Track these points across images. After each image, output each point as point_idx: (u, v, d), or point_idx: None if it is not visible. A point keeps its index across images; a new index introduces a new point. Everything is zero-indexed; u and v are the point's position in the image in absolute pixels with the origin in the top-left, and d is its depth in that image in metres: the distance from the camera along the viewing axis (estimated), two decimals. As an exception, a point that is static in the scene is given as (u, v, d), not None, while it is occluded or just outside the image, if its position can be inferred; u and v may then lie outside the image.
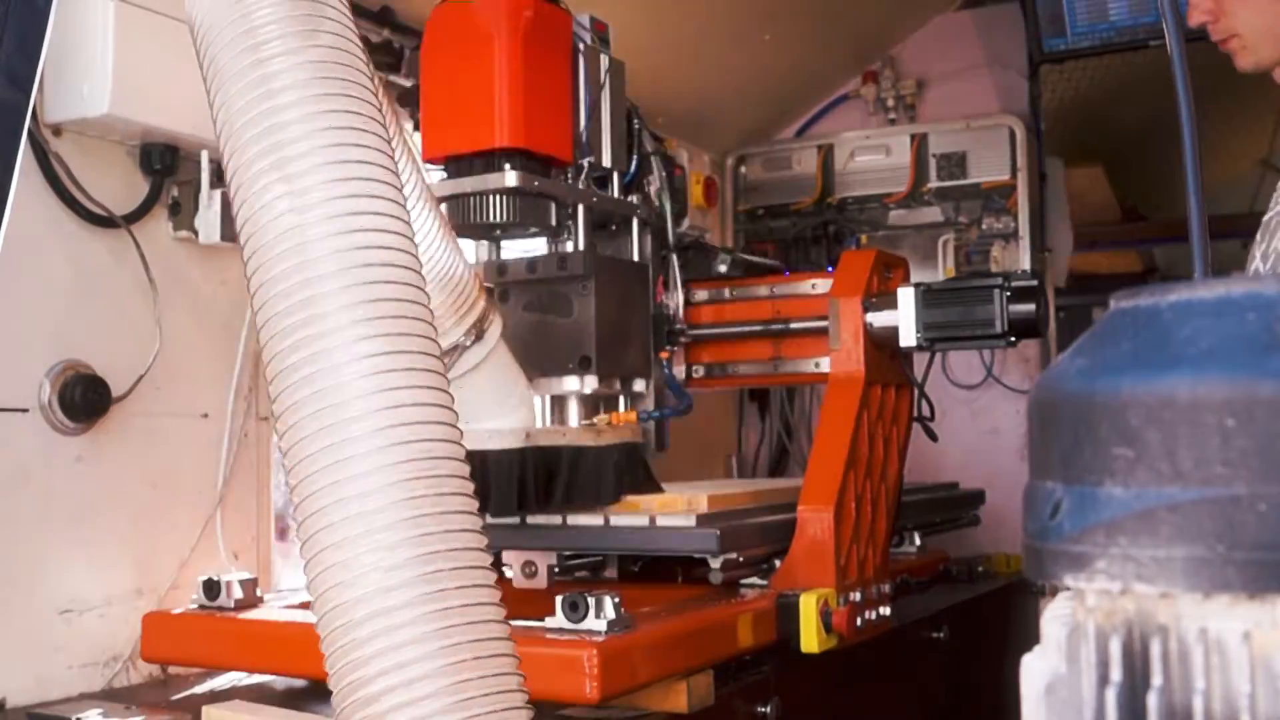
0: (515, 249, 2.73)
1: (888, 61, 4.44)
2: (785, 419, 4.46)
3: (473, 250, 2.67)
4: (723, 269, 3.06)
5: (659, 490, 2.45)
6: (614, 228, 2.73)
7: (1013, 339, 2.43)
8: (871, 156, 4.22)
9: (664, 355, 2.77)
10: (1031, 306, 2.40)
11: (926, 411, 2.74)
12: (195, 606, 2.23)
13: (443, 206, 2.31)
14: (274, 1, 1.21)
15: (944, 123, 4.16)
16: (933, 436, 2.77)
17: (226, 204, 2.50)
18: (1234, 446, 0.60)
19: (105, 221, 2.39)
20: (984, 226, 4.12)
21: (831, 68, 4.43)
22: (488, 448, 2.23)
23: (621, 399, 2.64)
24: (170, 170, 2.48)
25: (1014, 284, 2.41)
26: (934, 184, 4.12)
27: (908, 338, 2.45)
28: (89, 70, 2.26)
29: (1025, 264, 3.97)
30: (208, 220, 2.49)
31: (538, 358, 2.49)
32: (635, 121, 2.72)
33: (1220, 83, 3.64)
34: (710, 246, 3.15)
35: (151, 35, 2.30)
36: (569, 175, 2.52)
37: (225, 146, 1.23)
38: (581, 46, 2.54)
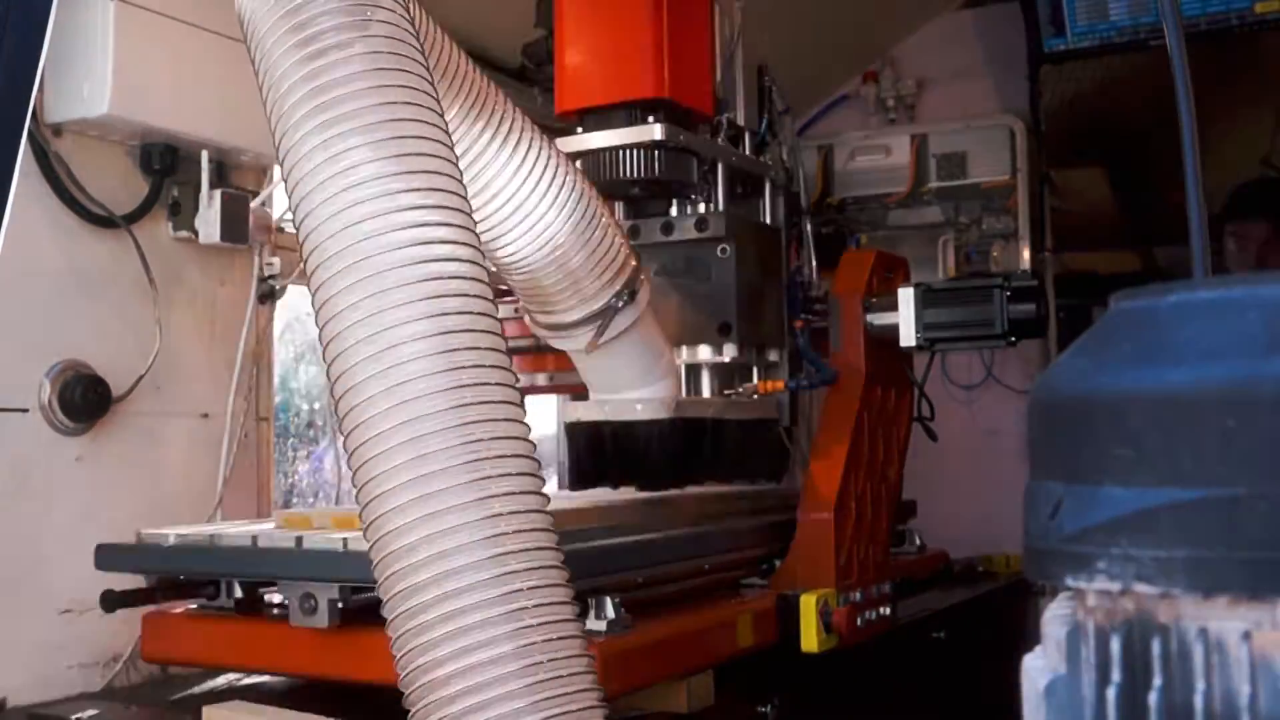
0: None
1: (888, 61, 4.44)
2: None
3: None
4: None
5: (783, 469, 2.36)
6: (741, 190, 2.58)
7: (1013, 339, 2.42)
8: (871, 156, 4.22)
9: (798, 325, 2.62)
10: (1031, 306, 2.40)
11: (926, 411, 2.74)
12: (195, 606, 2.22)
13: (577, 163, 2.16)
14: None
15: (944, 123, 4.16)
16: (933, 436, 2.77)
17: (226, 204, 2.50)
18: (1234, 446, 0.60)
19: (105, 221, 2.39)
20: (984, 226, 4.12)
21: (831, 68, 4.43)
22: (636, 418, 2.14)
23: (754, 369, 2.51)
24: (170, 170, 2.48)
25: (1014, 284, 2.41)
26: (934, 184, 4.12)
27: (908, 338, 2.45)
28: (89, 70, 2.26)
29: (1025, 264, 3.96)
30: (208, 220, 2.49)
31: (672, 324, 2.35)
32: (766, 79, 2.59)
33: (1220, 83, 3.64)
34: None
35: (151, 35, 2.30)
36: (707, 131, 2.39)
37: (278, 132, 1.21)
38: None
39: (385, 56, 1.19)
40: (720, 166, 2.41)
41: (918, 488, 3.38)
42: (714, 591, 2.24)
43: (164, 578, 2.01)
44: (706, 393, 2.40)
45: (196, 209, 2.51)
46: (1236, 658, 0.59)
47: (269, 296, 2.73)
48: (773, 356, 2.57)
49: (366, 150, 1.16)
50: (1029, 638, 0.70)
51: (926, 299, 2.44)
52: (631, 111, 2.24)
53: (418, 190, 1.17)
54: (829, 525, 2.28)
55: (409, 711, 1.13)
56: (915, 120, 4.37)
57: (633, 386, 2.18)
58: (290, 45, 1.20)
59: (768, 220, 2.62)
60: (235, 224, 2.52)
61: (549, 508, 1.18)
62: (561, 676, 1.10)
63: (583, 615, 1.79)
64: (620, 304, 2.01)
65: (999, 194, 4.06)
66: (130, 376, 2.40)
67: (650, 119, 2.22)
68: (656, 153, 2.23)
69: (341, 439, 1.17)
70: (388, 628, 1.13)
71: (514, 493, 1.13)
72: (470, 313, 1.15)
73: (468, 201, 1.22)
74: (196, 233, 2.51)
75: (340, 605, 1.79)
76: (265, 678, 2.23)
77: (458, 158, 1.25)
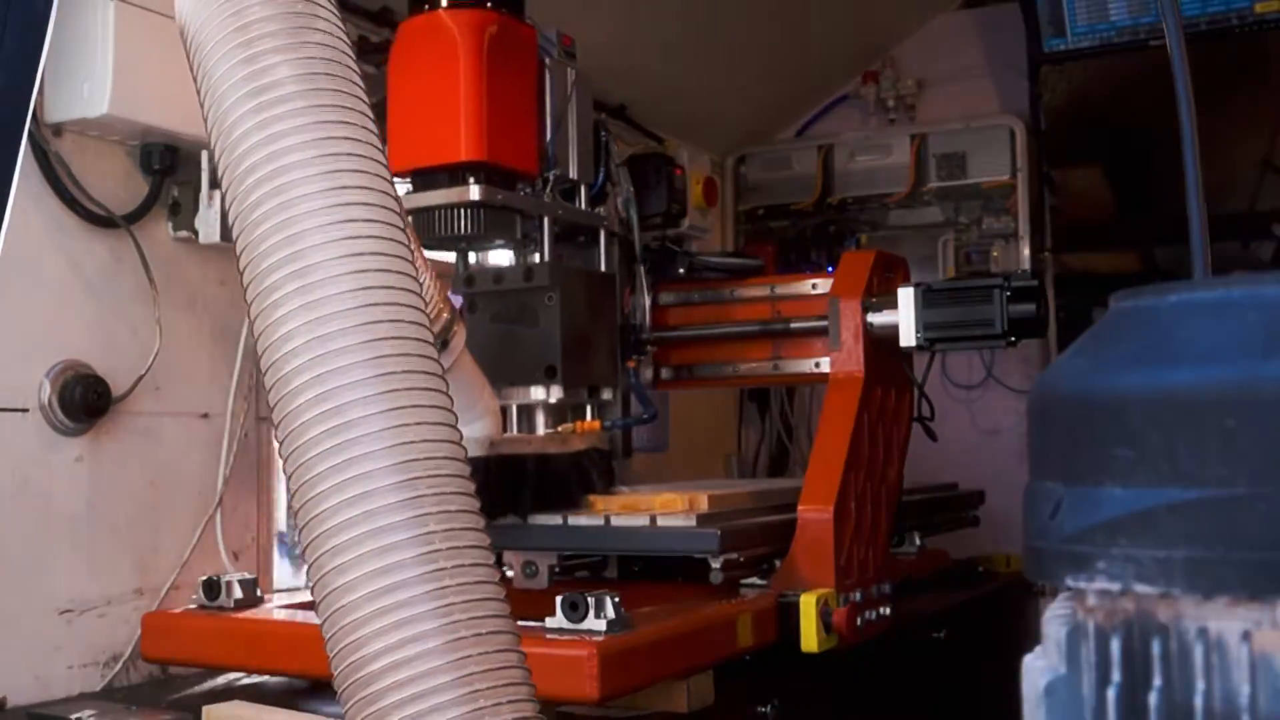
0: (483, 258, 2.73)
1: (888, 61, 4.44)
2: (785, 419, 4.46)
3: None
4: (680, 271, 3.09)
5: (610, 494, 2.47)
6: (582, 239, 2.76)
7: (1013, 339, 2.43)
8: (871, 156, 4.22)
9: (630, 364, 2.80)
10: (1031, 306, 2.40)
11: (926, 411, 2.74)
12: (195, 606, 2.23)
13: (409, 219, 2.32)
14: (264, 2, 1.22)
15: (944, 123, 4.16)
16: (933, 436, 2.77)
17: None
18: (1234, 447, 0.60)
19: (105, 221, 2.39)
20: (984, 226, 4.12)
21: (831, 68, 4.43)
22: None
23: (589, 408, 2.66)
24: (170, 170, 2.48)
25: (1014, 284, 2.41)
26: (934, 184, 4.12)
27: (908, 338, 2.45)
28: (89, 70, 2.26)
29: (1025, 264, 3.97)
30: (208, 220, 2.49)
31: (505, 368, 2.51)
32: (602, 134, 2.74)
33: (1220, 83, 3.64)
34: (674, 250, 3.16)
35: (151, 35, 2.30)
36: (535, 188, 2.54)
37: (216, 146, 1.23)
38: (548, 60, 2.56)
39: (320, 76, 1.21)
40: (546, 220, 2.54)
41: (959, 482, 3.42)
42: (714, 591, 2.24)
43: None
44: (540, 430, 2.55)
45: (196, 209, 2.51)
46: (1236, 658, 0.59)
47: (269, 296, 2.73)
48: (606, 395, 2.71)
49: (312, 180, 1.18)
50: (1029, 638, 0.70)
51: (926, 299, 2.44)
52: (454, 173, 2.38)
53: (356, 203, 1.19)
54: (829, 525, 2.28)
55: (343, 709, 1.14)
56: (915, 120, 4.37)
57: None
58: (232, 52, 1.21)
59: (602, 266, 2.75)
60: (235, 224, 2.52)
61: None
62: (491, 670, 1.11)
63: (583, 615, 1.79)
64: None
65: (999, 194, 4.07)
66: (130, 376, 2.40)
67: (470, 180, 2.36)
68: (478, 211, 2.39)
69: (279, 443, 1.19)
70: (322, 629, 1.14)
71: (444, 493, 1.15)
72: (403, 323, 1.18)
73: (401, 218, 1.24)
74: (196, 233, 2.51)
75: (556, 570, 2.33)
76: (265, 678, 2.23)
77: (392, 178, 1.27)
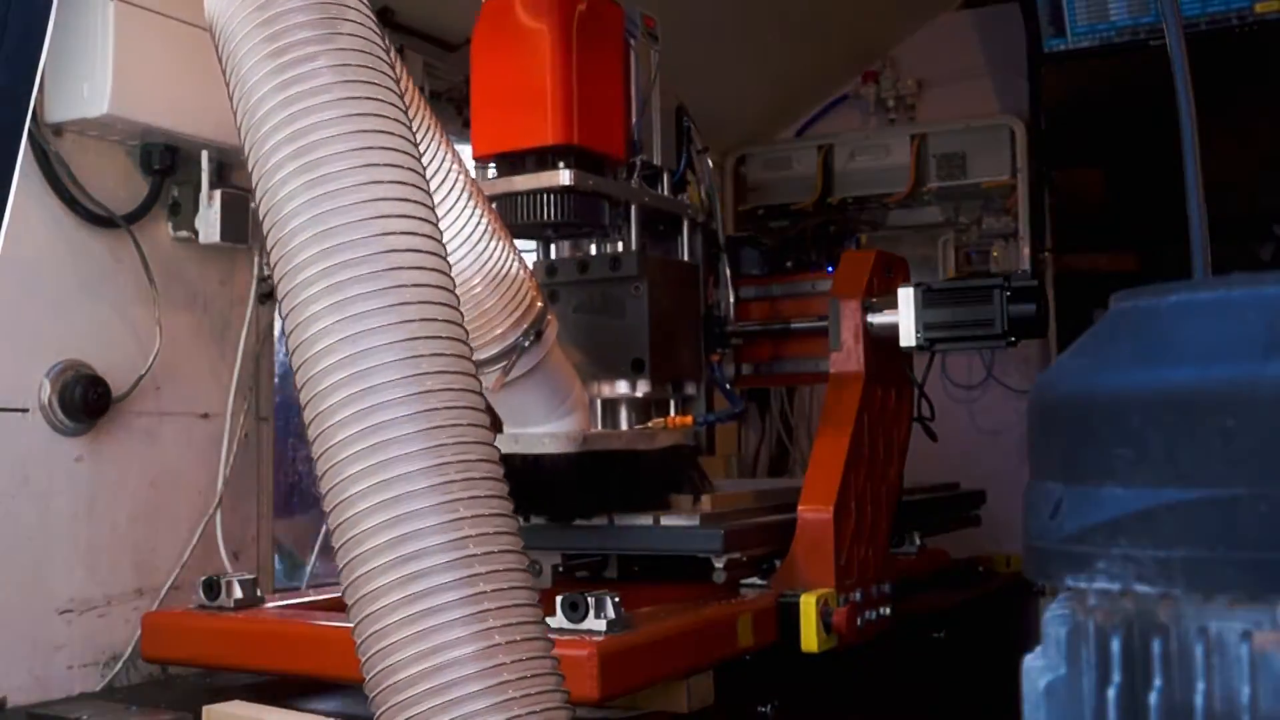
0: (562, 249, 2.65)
1: (888, 61, 4.44)
2: (785, 419, 4.46)
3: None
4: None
5: (711, 492, 2.43)
6: (661, 228, 2.67)
7: (1013, 339, 2.43)
8: (871, 156, 4.22)
9: (715, 358, 2.71)
10: (1031, 306, 2.40)
11: (926, 411, 2.74)
12: (195, 606, 2.22)
13: (494, 205, 2.23)
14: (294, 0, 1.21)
15: (944, 123, 4.16)
16: (933, 436, 2.77)
17: (226, 204, 2.50)
18: (1234, 447, 0.60)
19: (105, 221, 2.39)
20: (984, 226, 4.12)
21: (831, 68, 4.43)
22: (543, 451, 2.19)
23: (672, 402, 2.59)
24: (170, 170, 2.48)
25: (1014, 284, 2.41)
26: (934, 184, 4.12)
27: (908, 338, 2.45)
28: (89, 70, 2.26)
29: (1025, 264, 3.96)
30: (208, 220, 2.49)
31: (588, 360, 2.43)
32: (685, 119, 2.65)
33: (1220, 83, 3.64)
34: (761, 242, 3.11)
35: (151, 35, 2.31)
36: (619, 174, 2.46)
37: (247, 142, 1.21)
38: (632, 42, 2.49)
39: (354, 69, 1.20)
40: (634, 207, 2.48)
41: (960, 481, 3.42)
42: (714, 591, 2.24)
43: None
44: (624, 425, 2.48)
45: (196, 209, 2.51)
46: (1236, 658, 0.59)
47: (269, 296, 2.73)
48: (689, 390, 2.64)
49: (337, 160, 1.16)
50: (1029, 638, 0.70)
51: (926, 299, 2.44)
52: (543, 157, 2.31)
53: (386, 200, 1.17)
54: (829, 525, 2.28)
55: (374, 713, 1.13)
56: (915, 120, 4.37)
57: (542, 421, 2.24)
58: (260, 45, 1.20)
59: (685, 257, 2.69)
60: (235, 224, 2.52)
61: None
62: (526, 678, 1.10)
63: (583, 615, 1.79)
64: (526, 343, 2.09)
65: (999, 194, 4.07)
66: (130, 376, 2.40)
67: (560, 165, 2.29)
68: (567, 197, 2.31)
69: (309, 440, 1.18)
70: (353, 632, 1.13)
71: (478, 496, 1.14)
72: (438, 324, 1.16)
73: (434, 211, 1.23)
74: (196, 233, 2.51)
75: (559, 569, 2.32)
76: (265, 678, 2.23)
77: (425, 171, 1.25)
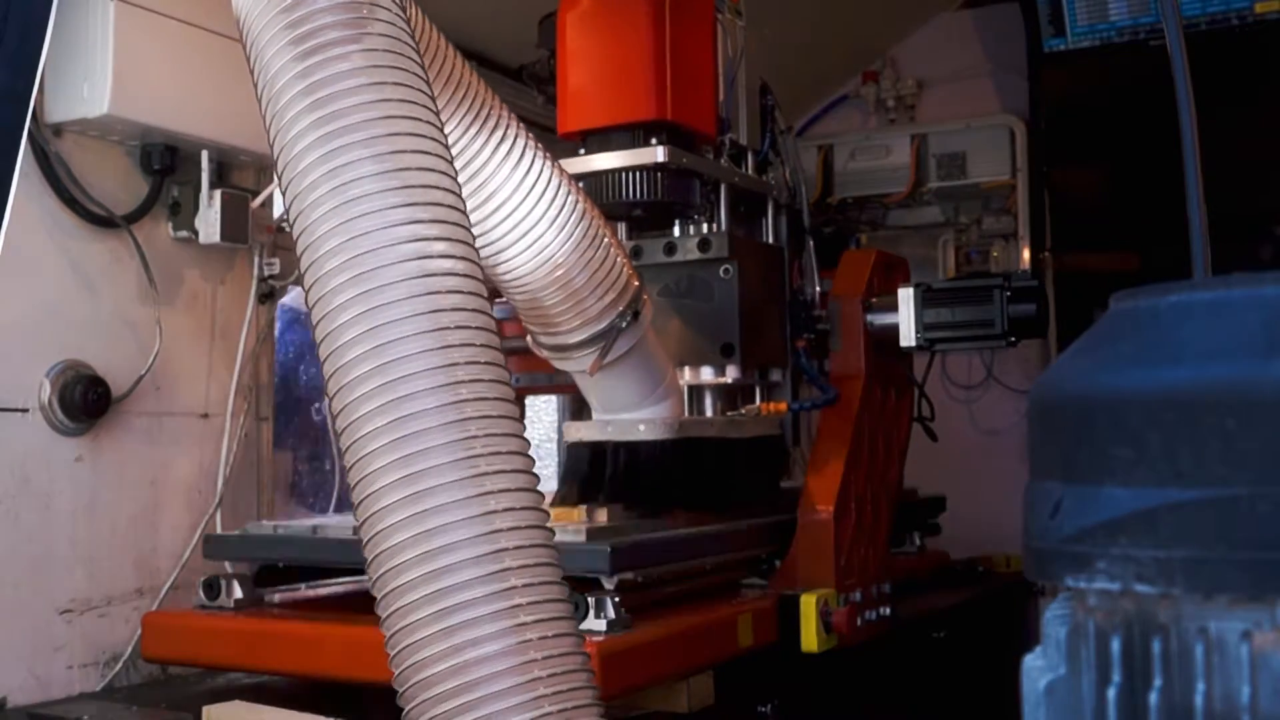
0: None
1: (888, 61, 4.44)
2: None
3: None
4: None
5: (777, 489, 2.36)
6: (742, 209, 2.57)
7: (1013, 339, 2.42)
8: (871, 156, 4.22)
9: (800, 344, 2.59)
10: (1031, 306, 2.40)
11: (926, 411, 2.74)
12: (195, 606, 2.22)
13: (580, 184, 2.11)
14: None
15: (944, 123, 4.16)
16: (933, 436, 2.77)
17: (226, 204, 2.50)
18: (1234, 447, 0.60)
19: (105, 221, 2.39)
20: (984, 226, 4.12)
21: (831, 68, 4.43)
22: (639, 439, 2.12)
23: (757, 389, 2.51)
24: (170, 170, 2.48)
25: (1014, 284, 2.41)
26: (934, 184, 4.12)
27: (908, 338, 2.45)
28: (89, 70, 2.26)
29: (1025, 264, 3.96)
30: (208, 220, 2.49)
31: (675, 345, 2.34)
32: (769, 97, 2.58)
33: (1220, 83, 3.64)
34: (853, 228, 3.03)
35: (151, 35, 2.31)
36: (708, 152, 2.39)
37: (276, 145, 1.21)
38: (720, 17, 2.42)
39: (383, 70, 1.19)
40: (723, 187, 2.40)
41: (918, 487, 3.40)
42: (714, 591, 2.24)
43: (264, 565, 2.16)
44: (709, 413, 2.39)
45: (196, 209, 2.51)
46: (1236, 658, 0.59)
47: (269, 296, 2.74)
48: (775, 376, 2.55)
49: (366, 163, 1.15)
50: (1029, 638, 0.69)
51: (926, 299, 2.44)
52: (634, 133, 2.23)
53: (416, 205, 1.16)
54: (829, 525, 2.28)
55: (403, 710, 1.12)
56: (915, 120, 4.37)
57: (635, 406, 2.17)
58: (287, 48, 1.19)
59: (770, 239, 2.61)
60: (235, 224, 2.52)
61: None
62: (556, 675, 1.09)
63: (583, 615, 1.79)
64: (624, 324, 2.00)
65: (999, 194, 4.07)
66: (130, 376, 2.40)
67: (653, 141, 2.21)
68: (659, 175, 2.22)
69: (336, 441, 1.17)
70: (381, 626, 1.13)
71: (509, 489, 1.13)
72: (466, 313, 1.15)
73: (464, 210, 1.22)
74: (196, 233, 2.51)
75: None
76: (265, 678, 2.23)
77: (455, 167, 1.24)
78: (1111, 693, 0.62)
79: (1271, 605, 0.58)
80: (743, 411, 2.38)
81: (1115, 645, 0.63)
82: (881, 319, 2.50)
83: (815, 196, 4.26)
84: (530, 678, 1.08)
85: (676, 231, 2.44)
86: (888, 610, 2.44)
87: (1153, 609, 0.62)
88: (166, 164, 2.46)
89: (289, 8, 1.20)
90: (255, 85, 1.24)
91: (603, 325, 1.98)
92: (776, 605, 2.18)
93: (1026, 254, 3.99)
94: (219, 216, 2.48)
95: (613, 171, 2.23)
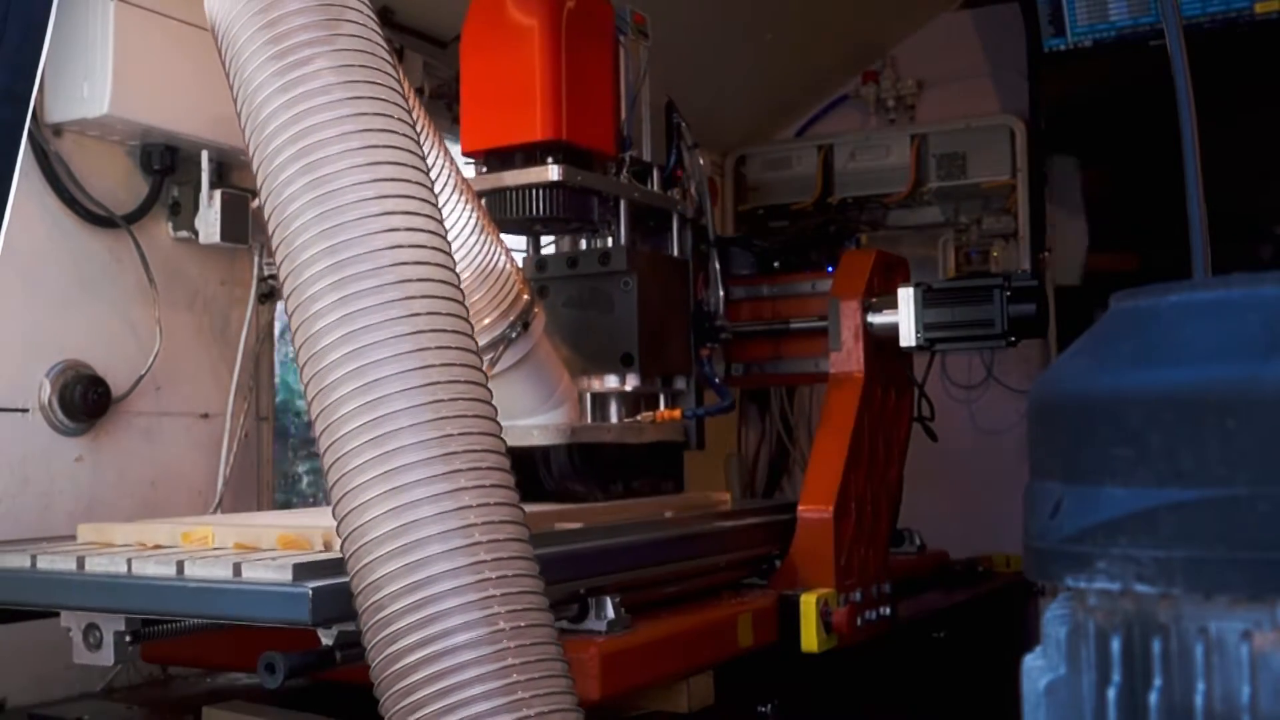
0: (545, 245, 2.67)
1: (888, 61, 4.43)
2: (785, 419, 4.46)
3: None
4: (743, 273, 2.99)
5: (679, 491, 2.41)
6: (651, 224, 2.66)
7: (1013, 339, 2.43)
8: (871, 156, 4.22)
9: (704, 353, 2.70)
10: (1031, 306, 2.40)
11: (926, 411, 2.74)
12: (195, 606, 2.22)
13: (483, 201, 2.24)
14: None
15: (944, 123, 4.16)
16: (933, 436, 2.77)
17: (226, 204, 2.50)
18: (1234, 447, 0.60)
19: (105, 221, 2.39)
20: (984, 226, 4.12)
21: (831, 68, 4.43)
22: (532, 444, 2.19)
23: (661, 397, 2.58)
24: (170, 170, 2.48)
25: (1014, 284, 2.41)
26: (934, 184, 4.12)
27: (908, 338, 2.45)
28: (89, 70, 2.26)
29: (1025, 264, 3.96)
30: (208, 220, 2.49)
31: (578, 355, 2.43)
32: (675, 115, 2.65)
33: (1220, 83, 3.64)
34: (753, 241, 3.10)
35: (151, 35, 2.30)
36: (609, 169, 2.46)
37: (251, 143, 1.22)
38: (622, 38, 2.49)
39: (355, 69, 1.21)
40: (623, 203, 2.48)
41: (918, 487, 3.40)
42: (714, 592, 2.24)
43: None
44: (614, 419, 2.47)
45: (196, 209, 2.51)
46: (1236, 658, 0.59)
47: (269, 296, 2.73)
48: (679, 384, 2.64)
49: (340, 159, 1.17)
50: (1029, 638, 0.70)
51: (926, 299, 2.44)
52: (531, 153, 2.31)
53: (388, 197, 1.18)
54: (829, 525, 2.28)
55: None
56: (915, 120, 4.37)
57: (531, 413, 2.25)
58: (263, 48, 1.20)
59: (675, 252, 2.68)
60: (235, 224, 2.52)
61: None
62: (535, 679, 1.10)
63: (583, 616, 1.79)
64: (514, 334, 2.11)
65: (999, 194, 4.06)
66: (130, 376, 2.40)
67: (549, 160, 2.29)
68: (556, 192, 2.31)
69: (316, 438, 1.18)
70: (359, 622, 1.13)
71: (484, 485, 1.14)
72: (441, 314, 1.17)
73: (436, 202, 1.23)
74: (196, 233, 2.51)
75: (129, 640, 1.57)
76: (265, 678, 2.22)
77: (427, 165, 1.26)
78: (1111, 693, 0.62)
79: (1271, 605, 0.58)
80: (638, 418, 2.47)
81: (1115, 645, 0.63)
82: (881, 319, 2.50)
83: (815, 196, 4.27)
84: (510, 681, 1.08)
85: (582, 244, 2.56)
86: (887, 610, 2.45)
87: (1153, 609, 0.62)
88: (166, 164, 2.46)
89: (264, 9, 1.21)
90: (231, 86, 1.25)
91: (494, 335, 2.09)
92: (776, 605, 2.18)
93: (1027, 254, 3.98)
94: (219, 216, 2.48)
95: (511, 189, 2.34)
